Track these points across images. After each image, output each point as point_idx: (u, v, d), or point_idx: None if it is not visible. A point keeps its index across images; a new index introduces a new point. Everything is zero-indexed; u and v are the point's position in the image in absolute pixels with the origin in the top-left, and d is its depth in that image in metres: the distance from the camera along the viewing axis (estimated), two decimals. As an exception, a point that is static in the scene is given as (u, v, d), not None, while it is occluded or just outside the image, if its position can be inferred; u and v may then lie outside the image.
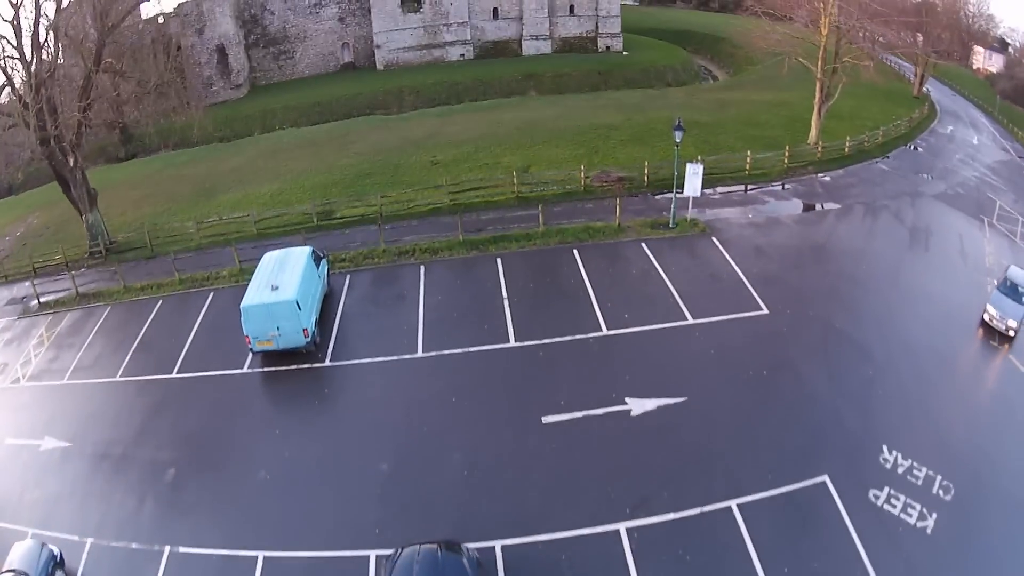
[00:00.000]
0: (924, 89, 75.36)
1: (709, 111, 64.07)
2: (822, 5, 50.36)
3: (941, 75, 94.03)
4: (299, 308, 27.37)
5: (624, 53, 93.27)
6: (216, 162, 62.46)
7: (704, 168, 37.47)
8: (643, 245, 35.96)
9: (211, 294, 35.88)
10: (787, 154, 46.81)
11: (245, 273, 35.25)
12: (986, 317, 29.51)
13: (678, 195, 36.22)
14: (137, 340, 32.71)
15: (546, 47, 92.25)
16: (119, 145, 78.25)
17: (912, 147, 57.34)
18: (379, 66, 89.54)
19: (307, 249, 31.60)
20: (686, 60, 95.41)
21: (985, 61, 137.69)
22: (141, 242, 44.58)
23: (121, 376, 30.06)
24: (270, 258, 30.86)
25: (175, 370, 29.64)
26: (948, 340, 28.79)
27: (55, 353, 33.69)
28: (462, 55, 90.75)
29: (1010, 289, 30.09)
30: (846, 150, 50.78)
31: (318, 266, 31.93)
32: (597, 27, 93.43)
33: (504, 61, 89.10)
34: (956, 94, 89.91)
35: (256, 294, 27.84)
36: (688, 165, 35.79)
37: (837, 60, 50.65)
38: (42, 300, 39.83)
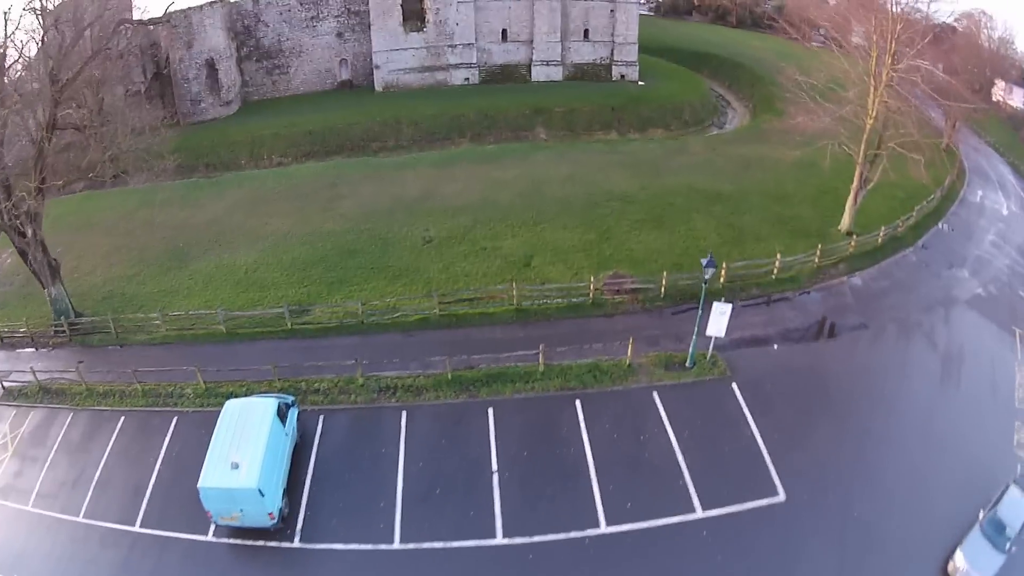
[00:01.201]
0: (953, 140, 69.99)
1: (731, 174, 61.47)
2: (872, 81, 46.24)
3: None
4: (262, 495, 25.38)
5: (640, 84, 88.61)
6: (194, 209, 59.22)
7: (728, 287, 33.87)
8: (655, 395, 33.52)
9: (175, 419, 33.81)
10: (818, 254, 43.94)
11: (210, 395, 34.37)
12: (949, 568, 24.76)
13: (701, 325, 33.49)
14: (99, 470, 31.52)
15: (557, 73, 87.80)
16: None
17: (944, 226, 54.50)
18: (377, 87, 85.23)
19: (272, 405, 28.15)
20: (704, 93, 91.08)
21: (1006, 95, 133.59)
22: (106, 325, 41.84)
23: (84, 517, 29.22)
24: (232, 414, 28.37)
25: (138, 522, 28.46)
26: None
27: (19, 466, 32.90)
28: (467, 79, 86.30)
29: (994, 529, 25.24)
30: (879, 240, 47.64)
31: (285, 421, 29.63)
32: (612, 54, 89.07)
33: (511, 89, 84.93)
34: (980, 140, 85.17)
35: (215, 472, 25.79)
36: (715, 304, 33.04)
37: (882, 146, 46.81)
38: (6, 384, 38.32)
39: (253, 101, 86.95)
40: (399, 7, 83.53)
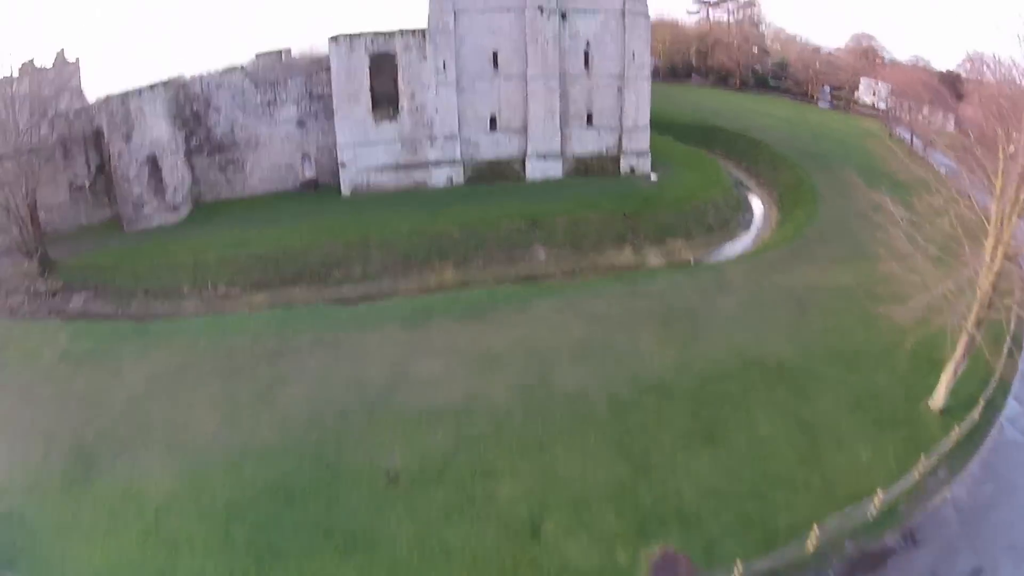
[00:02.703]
0: None
1: (787, 324, 49.13)
2: (993, 239, 34.75)
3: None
4: None
5: (652, 178, 75.32)
6: (113, 373, 44.81)
7: None
8: None
9: None
10: (919, 469, 34.04)
11: None
12: None
13: None
14: None
15: (556, 169, 74.53)
16: (36, 275, 59.86)
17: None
18: (344, 190, 71.84)
19: None
20: (726, 187, 78.49)
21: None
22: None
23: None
24: None
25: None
26: None
27: None
28: (450, 178, 73.08)
29: None
30: (977, 415, 37.89)
31: None
32: (620, 142, 76.27)
33: (503, 191, 71.87)
34: None
35: None
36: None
37: (993, 306, 36.07)
38: None
39: (206, 203, 73.29)
40: (367, 91, 69.94)
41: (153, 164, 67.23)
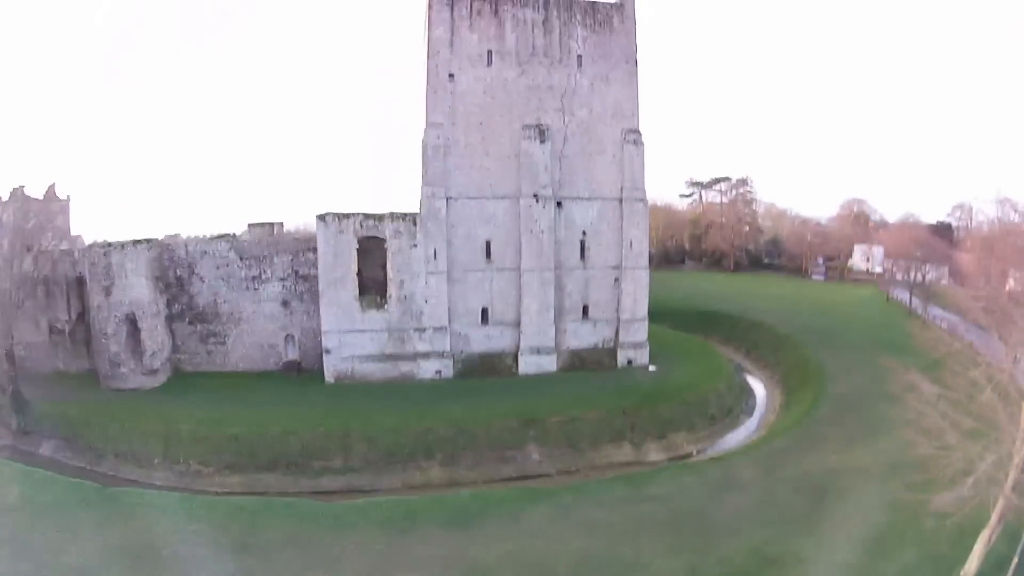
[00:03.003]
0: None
1: (805, 519, 43.31)
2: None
3: None
4: None
5: (651, 369, 71.28)
6: (67, 536, 40.85)
7: None
8: None
9: None
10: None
11: None
12: None
13: None
14: None
15: (550, 363, 70.90)
16: (8, 411, 58.48)
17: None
18: (328, 377, 67.92)
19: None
20: (728, 376, 74.18)
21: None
22: None
23: None
24: None
25: None
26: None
27: None
28: (438, 372, 69.34)
29: None
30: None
31: None
32: (617, 335, 73.07)
33: (494, 386, 67.98)
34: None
35: None
36: None
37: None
38: None
39: (186, 372, 70.37)
40: (354, 276, 67.47)
41: (132, 324, 64.42)
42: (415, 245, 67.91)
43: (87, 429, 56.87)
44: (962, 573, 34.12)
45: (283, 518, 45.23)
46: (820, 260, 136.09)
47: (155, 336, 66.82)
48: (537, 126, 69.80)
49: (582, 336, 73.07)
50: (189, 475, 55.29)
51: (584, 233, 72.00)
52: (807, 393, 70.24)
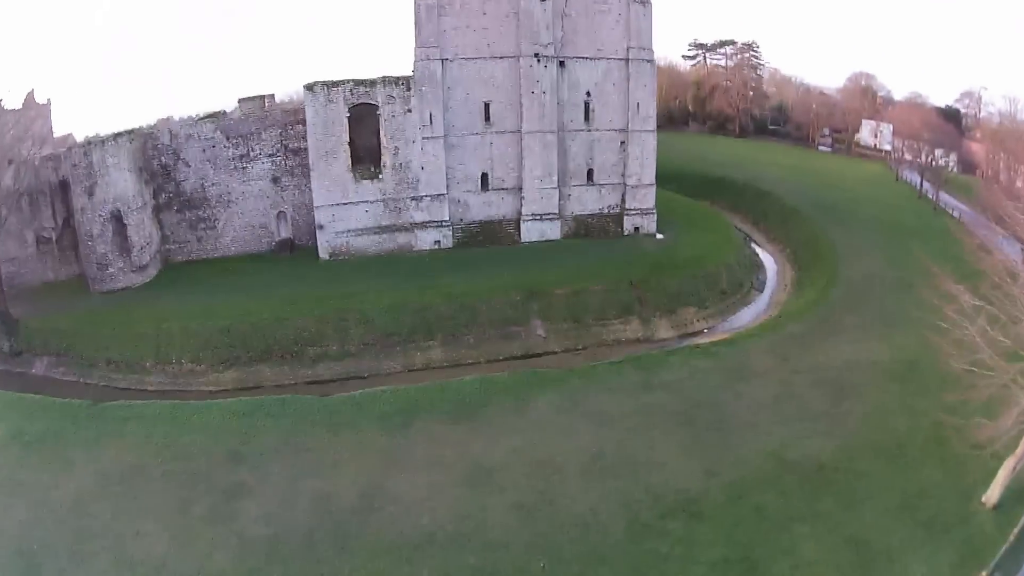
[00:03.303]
0: None
1: (823, 414, 41.88)
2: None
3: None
4: None
5: (658, 237, 67.82)
6: (59, 467, 38.69)
7: None
8: None
9: None
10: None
11: None
12: None
13: None
14: None
15: (553, 230, 67.31)
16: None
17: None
18: (322, 254, 64.52)
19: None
20: (738, 247, 71.03)
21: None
22: None
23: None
24: None
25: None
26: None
27: None
28: (437, 242, 65.57)
29: None
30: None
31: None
32: (623, 201, 69.23)
33: (495, 256, 64.82)
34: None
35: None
36: None
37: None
38: None
39: (176, 263, 66.48)
40: (345, 146, 62.74)
41: (118, 221, 60.43)
42: (409, 110, 62.94)
43: (78, 341, 53.80)
44: (984, 499, 32.43)
45: (277, 419, 42.75)
46: (826, 131, 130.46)
47: (142, 230, 62.57)
48: None
49: (586, 202, 69.21)
50: (182, 375, 52.57)
51: (588, 94, 66.87)
52: (819, 273, 67.23)
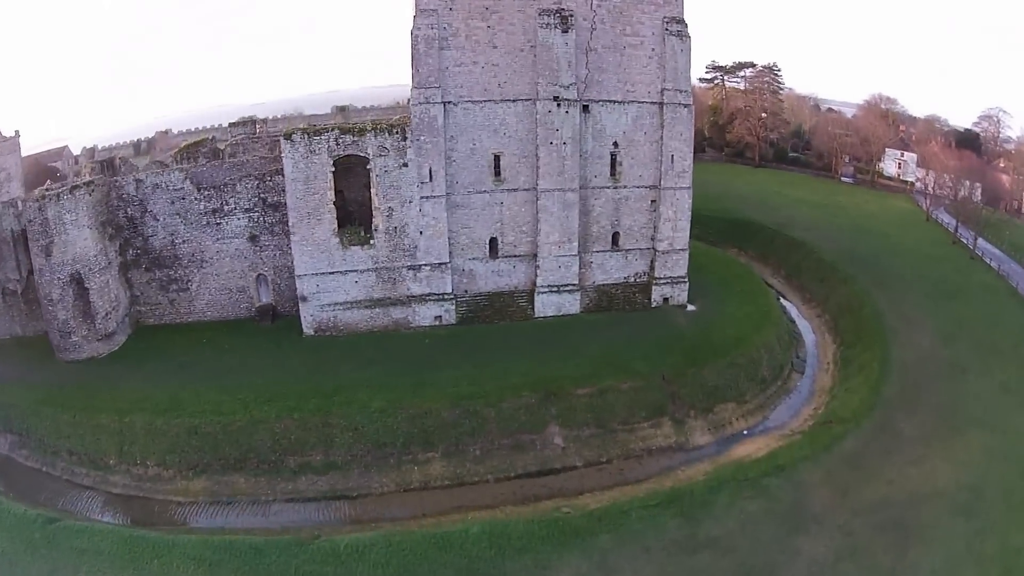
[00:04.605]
0: None
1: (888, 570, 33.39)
2: None
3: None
4: None
5: (689, 308, 56.76)
6: None
7: None
8: None
9: None
10: None
11: None
12: None
13: None
14: None
15: (572, 304, 56.27)
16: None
17: None
18: (306, 329, 53.72)
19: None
20: (777, 320, 60.28)
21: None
22: None
23: None
24: None
25: None
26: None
27: None
28: (438, 318, 54.56)
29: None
30: None
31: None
32: (652, 268, 57.97)
33: (505, 336, 53.85)
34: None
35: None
36: None
37: None
38: None
39: (148, 325, 56.55)
40: (331, 206, 51.65)
41: (79, 284, 50.71)
42: (405, 164, 51.44)
43: (39, 423, 46.82)
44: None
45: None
46: (847, 158, 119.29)
47: (106, 294, 52.48)
48: (558, 11, 51.55)
49: (610, 270, 57.72)
50: (148, 479, 43.96)
51: (615, 144, 55.08)
52: (866, 353, 56.70)
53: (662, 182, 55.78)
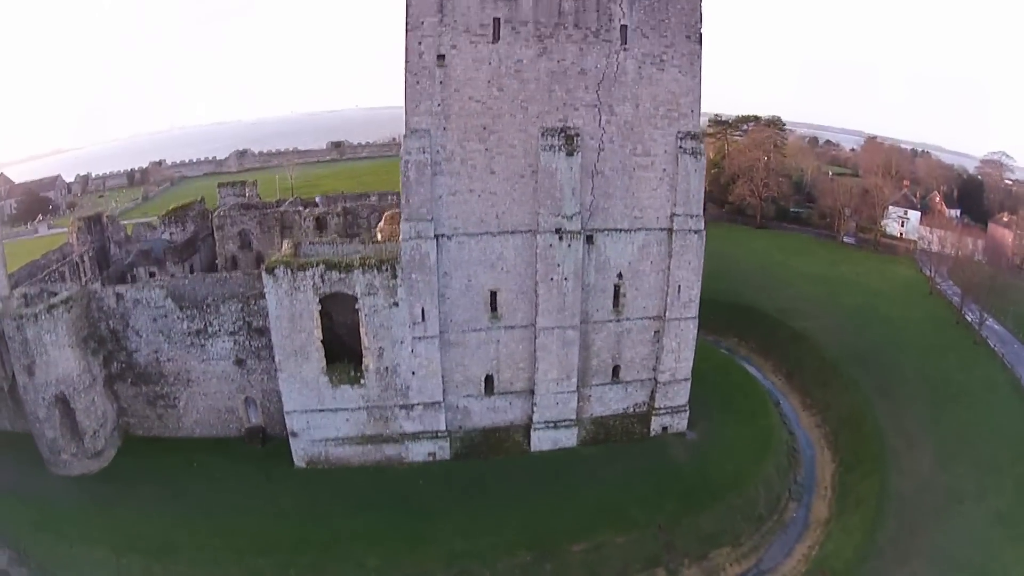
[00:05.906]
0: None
1: None
2: None
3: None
4: None
5: (688, 436, 53.72)
6: None
7: None
8: None
9: None
10: None
11: None
12: None
13: None
14: None
15: (569, 438, 53.45)
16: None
17: None
18: (298, 462, 50.95)
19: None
20: (777, 445, 57.33)
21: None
22: None
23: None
24: None
25: None
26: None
27: None
28: (431, 454, 51.43)
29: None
30: None
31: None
32: (652, 398, 54.29)
33: (500, 473, 50.78)
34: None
35: None
36: None
37: None
38: None
39: (137, 437, 53.70)
40: (318, 344, 48.47)
41: (65, 404, 48.06)
42: (396, 303, 47.96)
43: (37, 546, 44.49)
44: None
45: None
46: (848, 212, 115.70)
47: (93, 413, 49.89)
48: (563, 130, 47.08)
49: (609, 402, 54.46)
50: None
51: (620, 276, 51.27)
52: (865, 483, 54.73)
53: (667, 313, 52.29)
